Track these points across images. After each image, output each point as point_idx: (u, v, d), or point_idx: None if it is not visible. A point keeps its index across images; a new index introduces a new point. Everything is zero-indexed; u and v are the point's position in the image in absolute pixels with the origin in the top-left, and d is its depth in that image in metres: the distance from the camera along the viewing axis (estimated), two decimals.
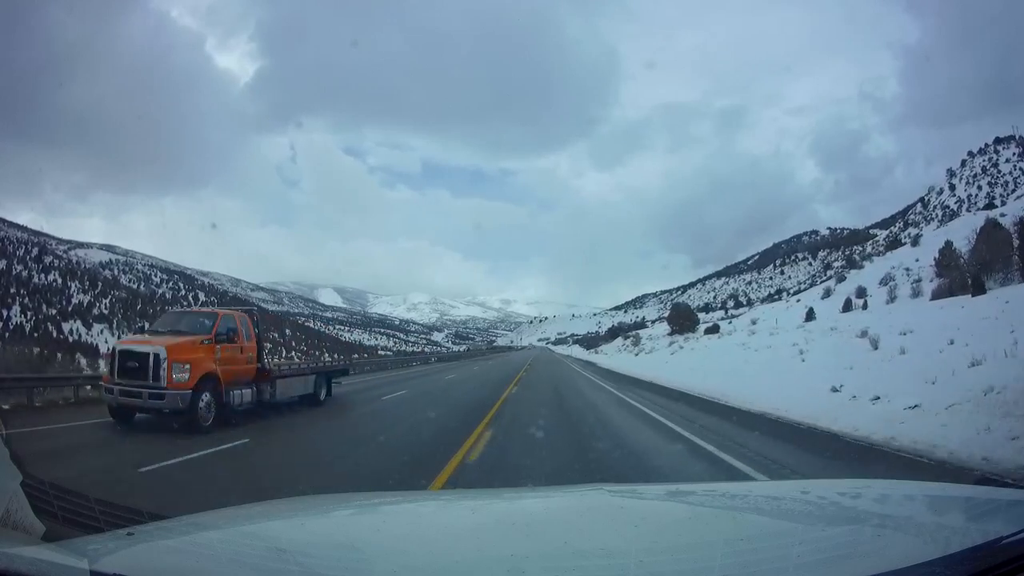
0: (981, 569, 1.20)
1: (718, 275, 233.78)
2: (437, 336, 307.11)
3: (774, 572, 1.38)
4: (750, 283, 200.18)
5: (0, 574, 1.20)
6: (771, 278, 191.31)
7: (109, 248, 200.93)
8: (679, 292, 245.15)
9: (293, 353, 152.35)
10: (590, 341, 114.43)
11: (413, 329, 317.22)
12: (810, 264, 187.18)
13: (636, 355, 44.00)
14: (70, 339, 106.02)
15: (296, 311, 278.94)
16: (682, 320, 54.61)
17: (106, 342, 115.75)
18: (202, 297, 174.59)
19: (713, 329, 44.83)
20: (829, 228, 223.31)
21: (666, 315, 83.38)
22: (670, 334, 52.39)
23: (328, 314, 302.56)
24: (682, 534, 1.73)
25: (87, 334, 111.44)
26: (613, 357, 52.64)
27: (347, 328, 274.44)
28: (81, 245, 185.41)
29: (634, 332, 76.54)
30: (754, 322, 43.96)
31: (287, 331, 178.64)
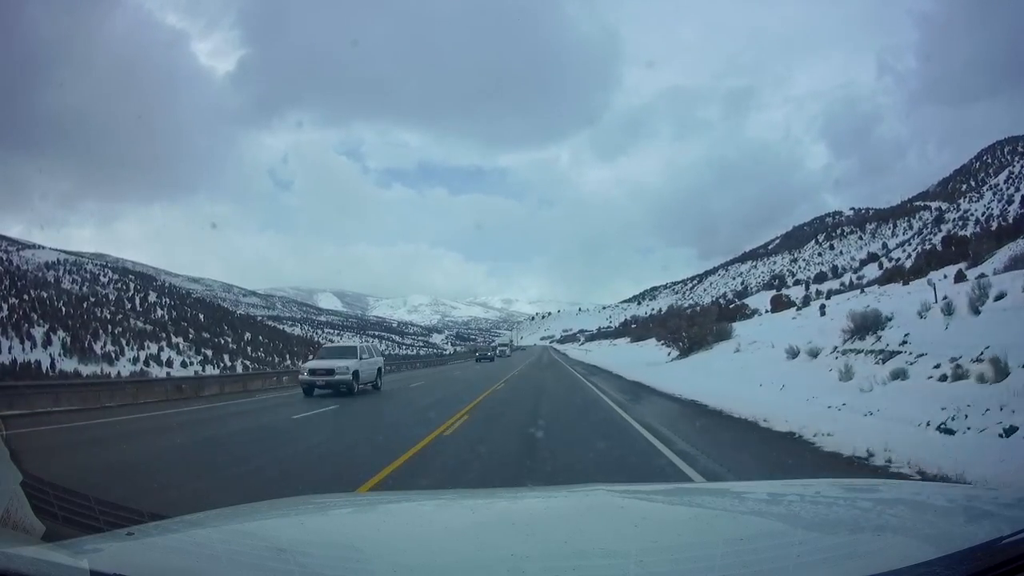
0: (981, 569, 1.18)
1: (741, 260, 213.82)
2: (437, 338, 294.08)
3: (774, 572, 1.36)
4: (795, 261, 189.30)
5: (0, 574, 1.20)
6: (820, 254, 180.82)
7: (100, 256, 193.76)
8: (696, 281, 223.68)
9: (240, 360, 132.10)
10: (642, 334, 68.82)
11: (411, 331, 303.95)
12: (860, 238, 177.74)
13: None
14: None
15: (288, 315, 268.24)
16: None
17: None
18: (152, 298, 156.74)
19: None
20: (853, 208, 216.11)
21: None
22: None
23: (322, 318, 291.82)
24: (682, 534, 1.71)
25: None
26: None
27: (339, 332, 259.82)
28: (31, 246, 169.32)
29: None
30: None
31: (247, 335, 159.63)
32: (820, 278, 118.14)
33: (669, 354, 28.21)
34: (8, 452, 1.82)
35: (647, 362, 29.00)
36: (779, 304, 44.95)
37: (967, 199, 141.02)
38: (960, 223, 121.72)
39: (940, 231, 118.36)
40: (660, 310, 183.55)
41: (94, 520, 1.95)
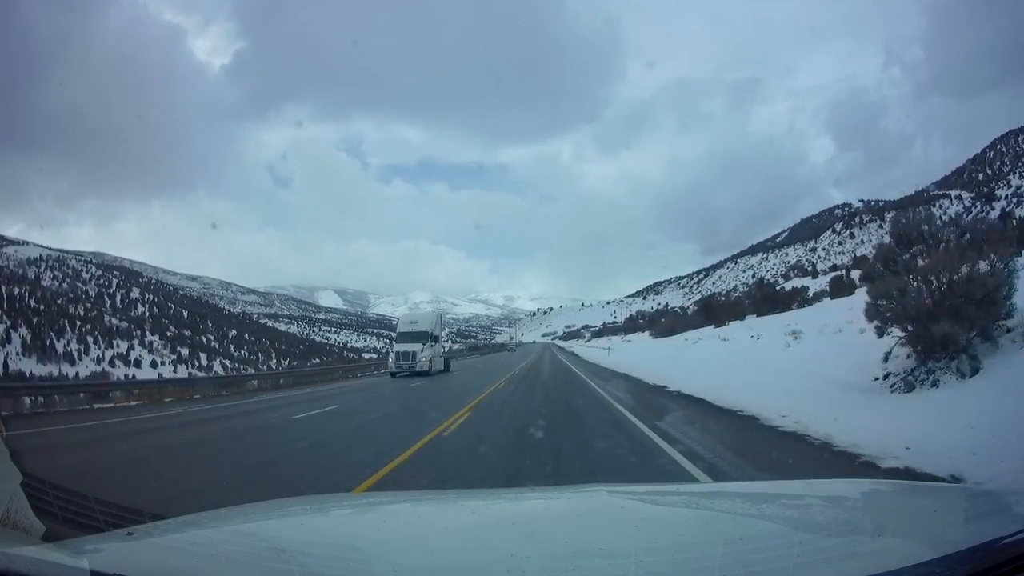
0: (980, 569, 1.19)
1: (750, 252, 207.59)
2: None
3: (774, 572, 1.36)
4: (812, 251, 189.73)
5: (0, 574, 1.20)
6: (840, 243, 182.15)
7: (98, 255, 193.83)
8: (702, 275, 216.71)
9: (219, 359, 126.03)
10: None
11: None
12: (880, 226, 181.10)
13: None
14: None
15: (286, 313, 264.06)
16: None
17: None
18: (134, 294, 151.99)
19: None
20: (862, 200, 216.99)
21: None
22: None
23: (321, 316, 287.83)
24: (682, 534, 1.72)
25: None
26: None
27: (336, 329, 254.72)
28: (16, 243, 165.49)
29: None
30: None
31: (232, 332, 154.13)
32: (860, 263, 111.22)
33: (888, 356, 10.10)
34: (8, 452, 1.81)
35: (841, 382, 10.45)
36: (841, 287, 38.07)
37: (1017, 176, 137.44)
38: (1014, 200, 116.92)
39: (992, 209, 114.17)
40: (666, 304, 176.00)
41: (94, 520, 1.94)
